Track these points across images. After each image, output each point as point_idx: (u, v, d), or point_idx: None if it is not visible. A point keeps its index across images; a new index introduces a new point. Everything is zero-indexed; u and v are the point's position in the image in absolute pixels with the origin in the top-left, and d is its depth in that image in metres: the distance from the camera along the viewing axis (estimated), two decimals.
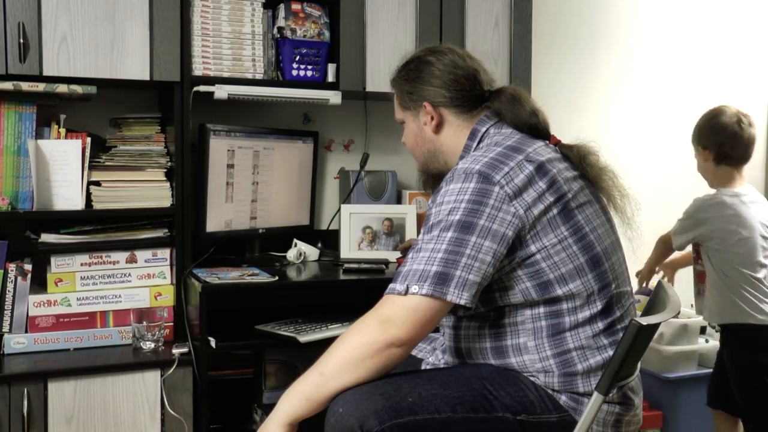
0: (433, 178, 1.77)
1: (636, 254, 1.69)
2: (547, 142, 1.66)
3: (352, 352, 1.44)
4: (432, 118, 1.71)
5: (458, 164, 1.56)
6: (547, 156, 1.56)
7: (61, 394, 2.12)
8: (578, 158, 1.62)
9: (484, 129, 1.67)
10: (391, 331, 1.41)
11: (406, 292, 1.42)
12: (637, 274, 2.79)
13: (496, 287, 1.51)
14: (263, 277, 2.26)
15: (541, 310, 1.51)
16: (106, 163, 2.34)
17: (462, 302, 1.42)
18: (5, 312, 2.22)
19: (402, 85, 1.76)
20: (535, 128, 1.66)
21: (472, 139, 1.68)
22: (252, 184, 2.60)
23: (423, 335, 1.44)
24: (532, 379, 1.52)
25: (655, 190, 3.47)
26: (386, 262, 2.53)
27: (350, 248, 2.68)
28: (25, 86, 2.18)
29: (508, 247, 1.46)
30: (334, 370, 1.43)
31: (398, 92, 1.78)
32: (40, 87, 2.19)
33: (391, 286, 1.46)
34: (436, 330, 1.70)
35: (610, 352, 1.51)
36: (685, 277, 3.46)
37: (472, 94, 1.70)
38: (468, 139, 1.68)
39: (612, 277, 1.55)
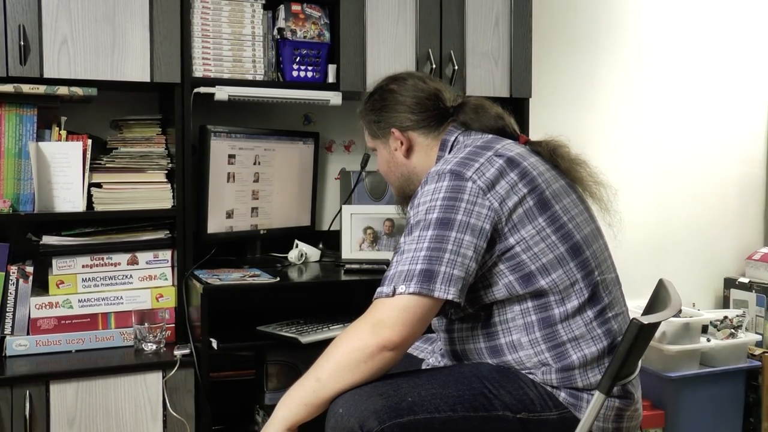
0: (410, 201, 1.80)
1: (617, 239, 1.70)
2: (517, 142, 1.68)
3: (346, 357, 1.45)
4: (401, 143, 1.75)
5: (431, 169, 1.58)
6: (516, 151, 1.59)
7: (63, 396, 2.12)
8: (548, 152, 1.65)
9: (453, 138, 1.71)
10: (382, 334, 1.42)
11: (394, 293, 1.44)
12: None
13: (480, 285, 1.53)
14: (264, 278, 2.26)
15: (529, 304, 1.52)
16: (107, 165, 2.34)
17: (449, 297, 1.43)
18: (7, 314, 2.22)
19: (369, 115, 1.81)
20: (503, 130, 1.71)
21: (443, 149, 1.72)
22: (253, 185, 2.60)
23: (415, 336, 1.45)
24: (530, 376, 1.52)
25: (656, 189, 3.48)
26: (387, 263, 2.49)
27: (351, 249, 2.68)
28: (26, 89, 2.18)
29: (487, 240, 1.47)
30: (330, 375, 1.45)
31: (366, 123, 1.83)
32: (41, 89, 2.20)
33: (378, 290, 1.48)
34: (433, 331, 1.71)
35: (605, 343, 1.53)
36: (685, 279, 3.47)
37: (436, 114, 1.74)
38: (439, 150, 1.72)
39: (594, 265, 1.56)
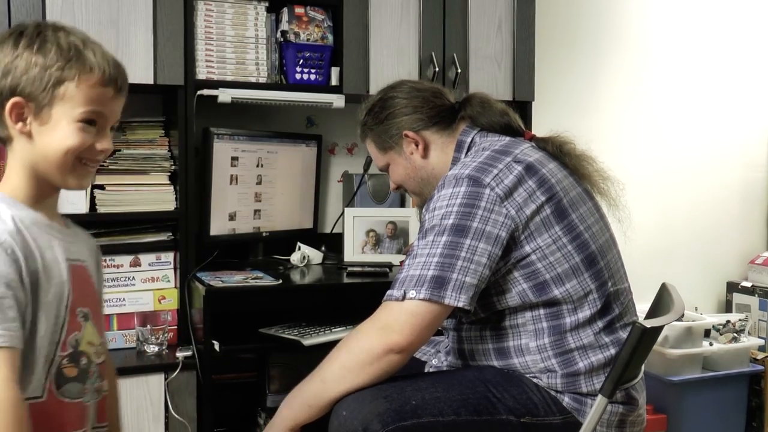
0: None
1: (626, 235, 1.68)
2: (523, 138, 1.67)
3: (351, 359, 1.44)
4: (417, 144, 1.71)
5: (448, 173, 1.57)
6: (535, 156, 1.58)
7: None
8: (555, 149, 1.63)
9: (469, 139, 1.69)
10: (390, 337, 1.42)
11: (404, 298, 1.43)
12: None
13: (494, 291, 1.52)
14: (267, 281, 2.26)
15: (542, 311, 1.51)
16: (110, 167, 2.34)
17: (460, 305, 1.42)
18: None
19: (375, 128, 1.75)
20: (509, 126, 1.68)
21: (459, 150, 1.69)
22: (255, 188, 2.60)
23: (422, 341, 1.45)
24: (535, 380, 1.52)
25: (658, 192, 3.47)
26: (390, 266, 2.52)
27: (354, 251, 2.68)
28: None
29: (502, 248, 1.46)
30: (335, 377, 1.44)
31: (373, 138, 1.77)
32: None
33: (388, 292, 1.47)
34: (439, 333, 1.71)
35: (612, 351, 1.52)
36: (688, 283, 3.46)
37: (444, 109, 1.72)
38: (455, 151, 1.69)
39: (608, 275, 1.55)
